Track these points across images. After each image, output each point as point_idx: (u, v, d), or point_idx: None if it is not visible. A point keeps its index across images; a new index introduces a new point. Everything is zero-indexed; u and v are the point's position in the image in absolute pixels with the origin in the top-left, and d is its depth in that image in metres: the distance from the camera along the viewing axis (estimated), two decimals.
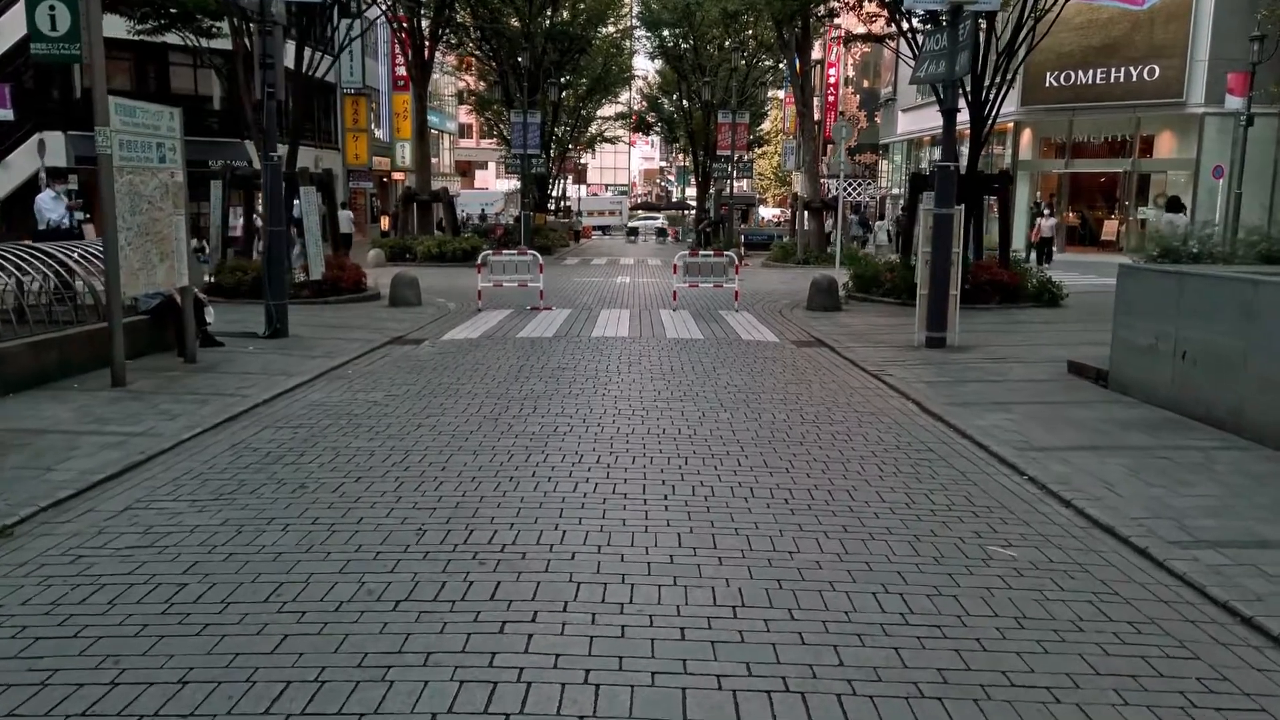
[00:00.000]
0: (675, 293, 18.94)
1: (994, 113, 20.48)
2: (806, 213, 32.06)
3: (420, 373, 11.46)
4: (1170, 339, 9.29)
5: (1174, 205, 23.45)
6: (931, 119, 42.40)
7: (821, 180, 35.52)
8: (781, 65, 47.98)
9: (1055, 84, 33.21)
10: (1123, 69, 32.35)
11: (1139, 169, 33.42)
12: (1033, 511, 6.46)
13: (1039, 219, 25.32)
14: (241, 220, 31.06)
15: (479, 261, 18.77)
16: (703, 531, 5.88)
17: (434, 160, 59.39)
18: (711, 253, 19.04)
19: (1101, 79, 32.72)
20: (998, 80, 19.87)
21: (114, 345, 9.76)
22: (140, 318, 11.90)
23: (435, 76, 59.50)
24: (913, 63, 22.62)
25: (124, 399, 9.36)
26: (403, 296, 18.63)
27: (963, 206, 13.75)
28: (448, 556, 5.42)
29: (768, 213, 71.10)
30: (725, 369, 11.94)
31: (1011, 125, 34.96)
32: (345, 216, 37.71)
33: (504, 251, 18.76)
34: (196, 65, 31.16)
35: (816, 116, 37.28)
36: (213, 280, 18.80)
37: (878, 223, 43.41)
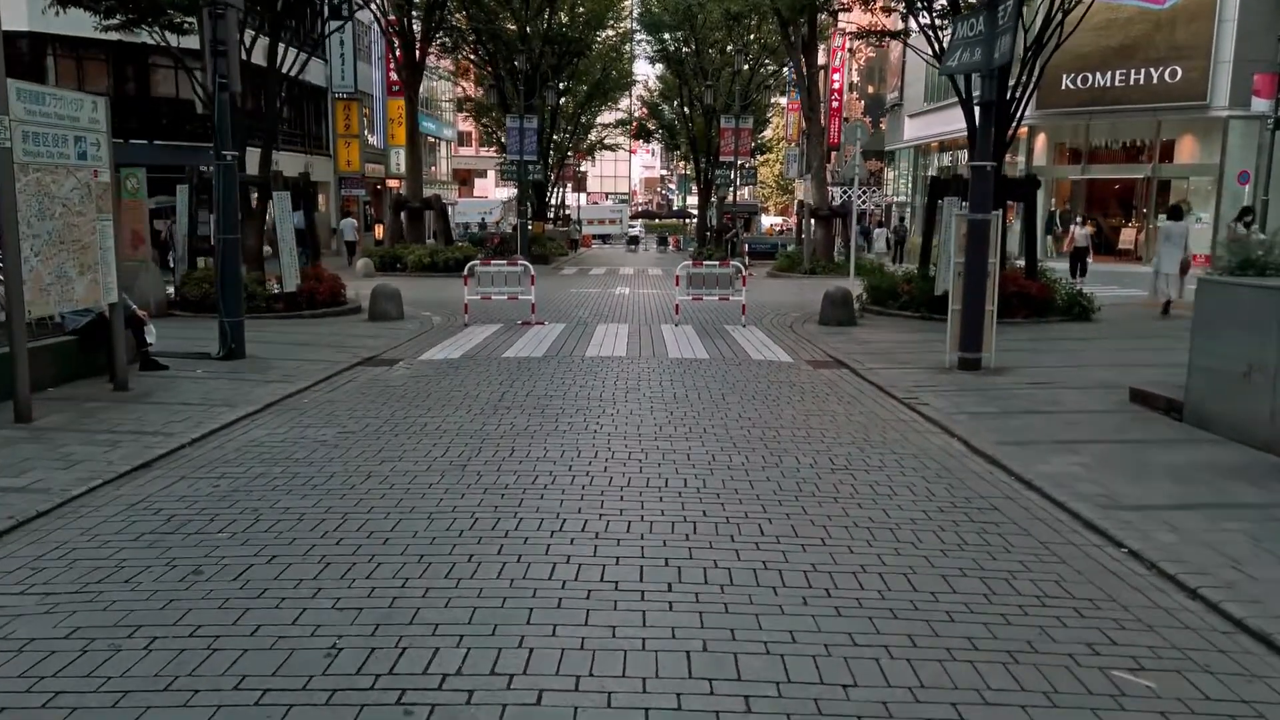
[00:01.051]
0: (678, 306, 17.37)
1: (1020, 113, 18.95)
2: (814, 220, 30.50)
3: (386, 402, 9.88)
4: (1271, 368, 7.70)
5: (1174, 213, 22.29)
6: (940, 124, 40.88)
7: (828, 187, 33.94)
8: (786, 69, 46.48)
9: (1072, 87, 31.66)
10: (1143, 71, 30.81)
11: (1159, 175, 31.85)
12: (1151, 606, 4.87)
13: (1073, 227, 23.64)
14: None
15: (466, 272, 17.20)
16: (720, 649, 4.28)
17: (431, 169, 57.94)
18: (717, 263, 17.47)
19: (1120, 81, 31.18)
20: (1024, 78, 18.36)
21: (16, 374, 8.18)
22: (68, 339, 10.32)
23: (433, 83, 58.03)
24: (931, 60, 21.10)
25: (21, 440, 7.77)
26: (383, 310, 17.07)
27: (999, 213, 12.18)
28: (360, 700, 3.82)
29: (769, 221, 69.60)
30: (735, 396, 10.35)
31: (1025, 130, 33.36)
32: (349, 224, 36.30)
33: (493, 262, 17.20)
34: (178, 68, 29.61)
35: (822, 122, 35.74)
36: (177, 293, 17.26)
37: (877, 230, 41.92)
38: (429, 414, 9.26)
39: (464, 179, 79.70)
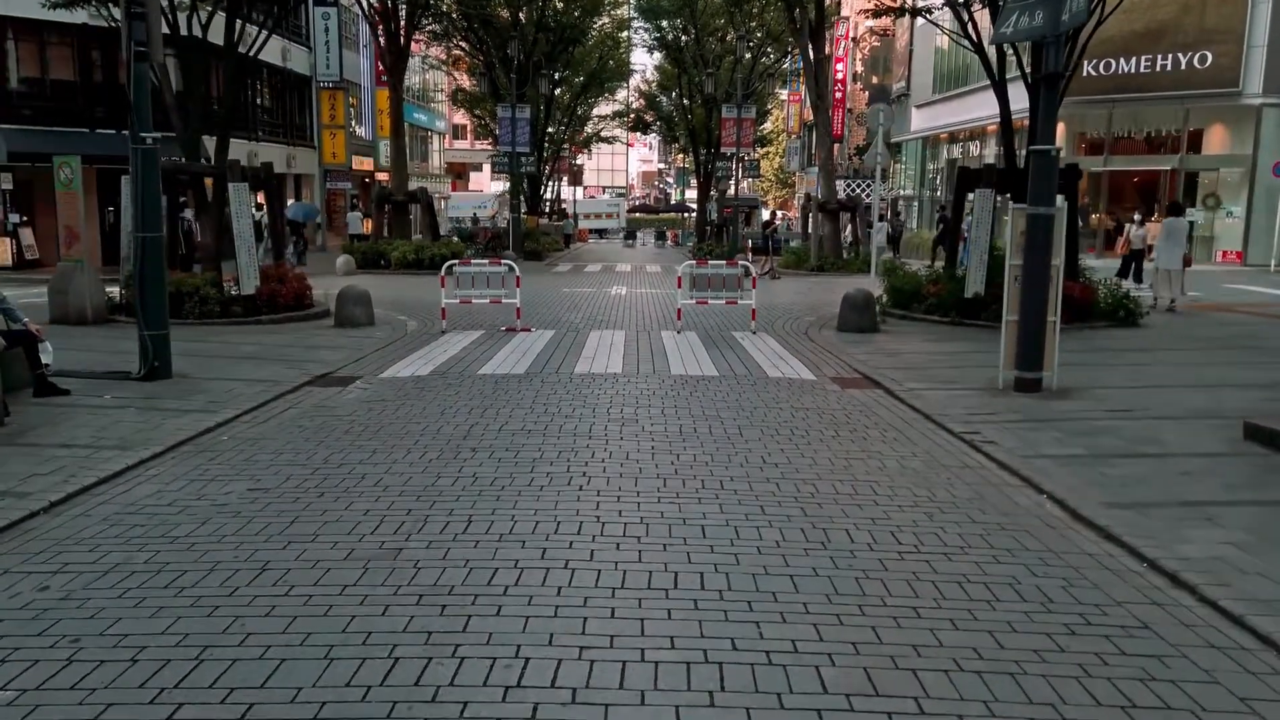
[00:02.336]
0: (680, 311, 15.36)
1: (1061, 96, 16.93)
2: (821, 214, 28.49)
3: (324, 440, 7.88)
4: None
5: (1175, 210, 20.65)
6: (950, 114, 38.87)
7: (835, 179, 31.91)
8: (788, 59, 44.43)
9: (1094, 74, 29.60)
10: (1170, 56, 28.80)
11: (1186, 166, 29.84)
12: None
13: (1128, 226, 21.47)
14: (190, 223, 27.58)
15: (443, 272, 15.19)
16: None
17: (423, 163, 55.86)
18: (724, 263, 15.47)
19: (1146, 67, 29.17)
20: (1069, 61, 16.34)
21: None
22: None
23: (425, 74, 55.94)
24: (958, 37, 19.06)
25: None
26: (350, 315, 15.06)
27: (1064, 205, 10.19)
28: None
29: (768, 215, 67.53)
30: (755, 430, 8.36)
31: (1028, 122, 31.30)
32: (355, 218, 34.02)
33: (473, 261, 15.19)
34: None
35: (829, 111, 33.58)
36: (121, 296, 15.23)
37: (877, 224, 39.60)
38: (372, 459, 7.26)
39: (459, 172, 77.54)
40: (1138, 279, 21.01)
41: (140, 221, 9.71)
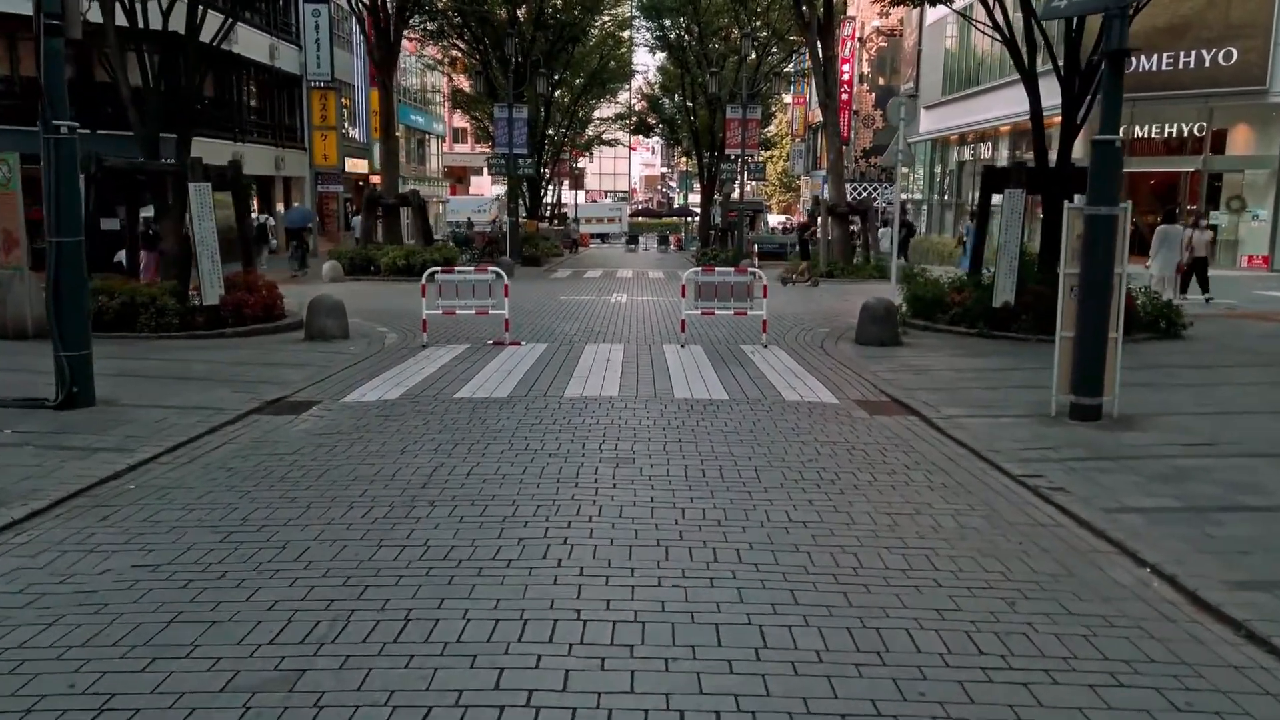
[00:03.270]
0: (683, 322, 13.89)
1: (1096, 90, 15.49)
2: (831, 218, 27.04)
3: (250, 491, 6.42)
4: None
5: (1170, 217, 19.43)
6: (961, 115, 37.39)
7: (845, 182, 30.45)
8: (792, 61, 43.01)
9: (1080, 80, 28.03)
10: (1193, 53, 27.31)
11: (1210, 167, 28.33)
12: None
13: (1190, 232, 19.81)
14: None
15: (424, 280, 13.74)
16: None
17: (421, 166, 54.46)
18: (731, 270, 14.00)
19: (1168, 64, 27.67)
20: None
21: None
22: None
23: (424, 76, 54.55)
24: (986, 28, 17.56)
25: None
26: (321, 328, 13.62)
27: (1128, 206, 8.71)
28: None
29: (774, 220, 66.11)
30: (775, 473, 6.90)
31: (1059, 119, 29.81)
32: (359, 223, 32.21)
33: (457, 269, 13.73)
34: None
35: (839, 110, 32.08)
36: None
37: (881, 229, 38.05)
38: (303, 518, 5.81)
39: (459, 176, 76.18)
40: (1204, 288, 19.42)
41: (55, 223, 8.25)
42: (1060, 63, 15.38)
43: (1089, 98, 15.36)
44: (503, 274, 13.78)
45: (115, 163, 14.41)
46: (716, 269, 13.98)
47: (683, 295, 13.92)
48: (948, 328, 14.84)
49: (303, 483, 6.57)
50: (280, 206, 34.87)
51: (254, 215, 34.95)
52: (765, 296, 13.73)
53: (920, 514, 6.02)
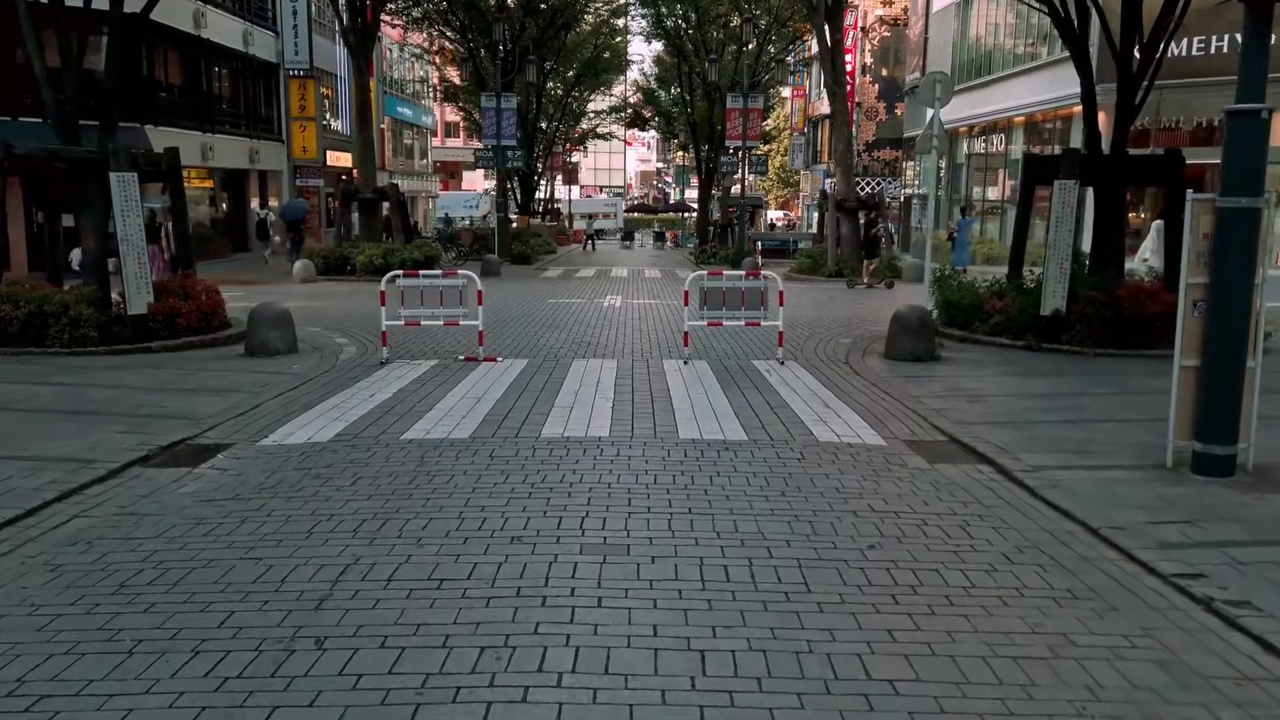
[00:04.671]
0: (686, 335, 11.79)
1: (1156, 68, 13.51)
2: (840, 214, 24.94)
3: (58, 619, 4.34)
4: None
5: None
6: (971, 106, 35.22)
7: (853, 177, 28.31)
8: (794, 47, 40.91)
9: (1138, 57, 25.97)
10: (1225, 37, 25.18)
11: None
12: None
13: None
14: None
15: (383, 286, 11.63)
16: None
17: (409, 160, 52.28)
18: (742, 274, 11.87)
19: (1199, 50, 25.58)
20: (1169, 21, 12.93)
21: None
22: None
23: (414, 68, 52.31)
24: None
25: None
26: (263, 342, 11.53)
27: (1271, 197, 6.64)
28: None
29: (772, 215, 64.01)
30: (827, 573, 4.84)
31: (1079, 109, 27.74)
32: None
33: (422, 272, 11.62)
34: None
35: (848, 100, 29.85)
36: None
37: (879, 226, 35.54)
38: (112, 676, 3.72)
39: (452, 172, 73.85)
40: None
41: None
42: (1116, 37, 13.35)
43: (1148, 78, 13.35)
44: (475, 278, 11.68)
45: (26, 149, 12.25)
46: (725, 272, 11.87)
47: (685, 303, 11.82)
48: (989, 339, 12.79)
49: (141, 599, 4.48)
50: (255, 201, 32.65)
51: (254, 210, 33.10)
52: (781, 304, 11.64)
53: (1059, 657, 3.94)
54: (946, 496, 6.18)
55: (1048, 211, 12.85)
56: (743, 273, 11.83)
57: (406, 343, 12.66)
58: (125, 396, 9.02)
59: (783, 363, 11.34)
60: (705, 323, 11.77)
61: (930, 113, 13.87)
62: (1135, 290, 12.51)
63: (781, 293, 11.63)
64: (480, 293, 11.60)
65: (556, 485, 6.29)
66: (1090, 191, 13.84)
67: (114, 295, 12.19)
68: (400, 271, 11.79)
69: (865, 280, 22.61)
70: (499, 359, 11.49)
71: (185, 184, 28.82)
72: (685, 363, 11.32)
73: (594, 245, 48.12)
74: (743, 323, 11.70)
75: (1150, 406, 9.01)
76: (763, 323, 11.67)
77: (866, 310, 17.25)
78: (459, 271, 11.68)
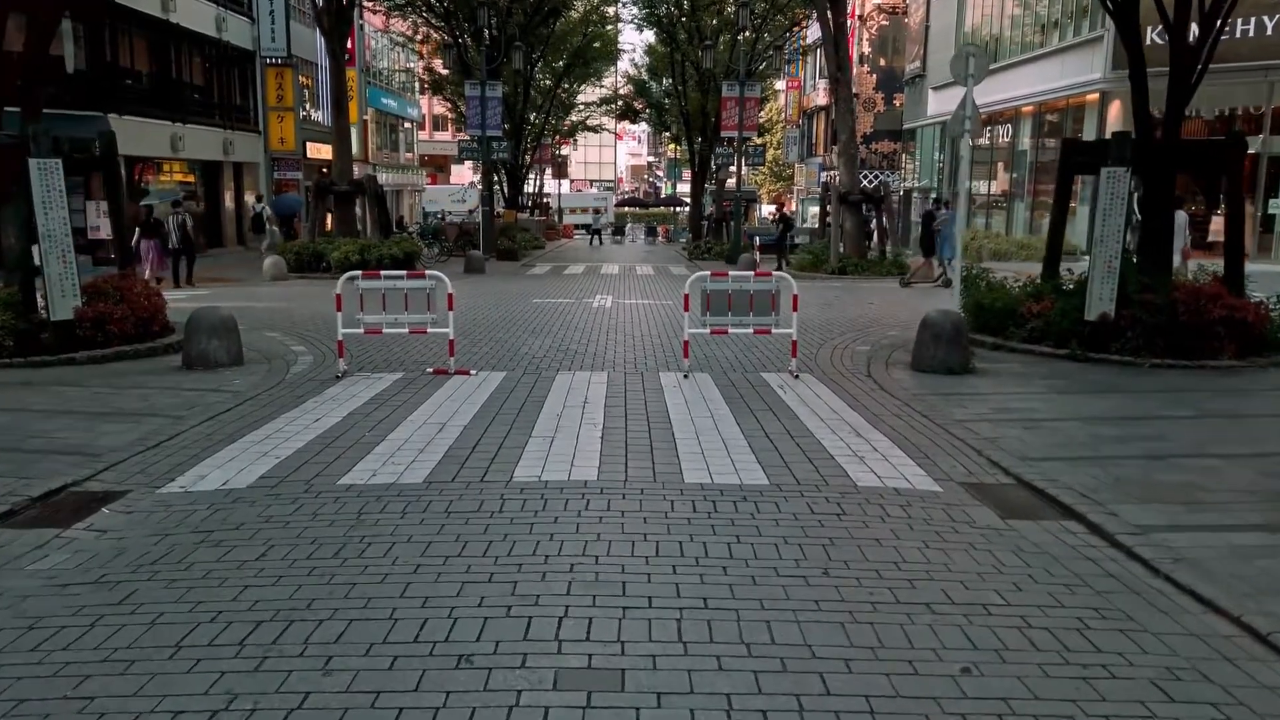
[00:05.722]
0: (687, 344, 10.23)
1: (1215, 41, 12.01)
2: (843, 207, 23.41)
3: None
4: None
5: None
6: (976, 96, 33.77)
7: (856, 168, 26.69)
8: (790, 35, 39.32)
9: (1160, 41, 24.44)
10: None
11: (1270, 150, 24.79)
12: None
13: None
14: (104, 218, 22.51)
15: (338, 288, 10.04)
16: None
17: (394, 153, 50.59)
18: (750, 274, 10.30)
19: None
20: None
21: None
22: None
23: (402, 60, 50.53)
24: None
25: None
26: (203, 352, 9.96)
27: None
28: None
29: (767, 209, 62.41)
30: None
31: (1097, 96, 26.28)
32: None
33: (384, 273, 10.03)
34: None
35: (853, 87, 28.24)
36: None
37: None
38: None
39: (440, 165, 72.06)
40: None
41: None
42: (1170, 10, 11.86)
43: (1206, 51, 11.85)
44: (445, 280, 10.09)
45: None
46: (730, 273, 10.28)
47: (685, 309, 10.25)
48: (1025, 346, 11.26)
49: None
50: (229, 195, 30.94)
51: (252, 204, 31.49)
52: (796, 309, 10.09)
53: None
54: (1042, 576, 4.64)
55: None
56: (751, 273, 10.24)
57: (369, 352, 11.11)
58: (17, 424, 7.44)
59: (797, 376, 9.80)
60: (708, 330, 10.21)
61: (961, 91, 12.30)
62: (1193, 292, 10.99)
63: (796, 296, 10.08)
64: (451, 296, 10.02)
65: (527, 561, 4.73)
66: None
67: (39, 299, 10.62)
68: (359, 272, 10.19)
69: (936, 280, 20.52)
70: (472, 372, 9.93)
71: (164, 177, 27.55)
72: (685, 376, 9.77)
73: (601, 240, 46.56)
74: (751, 330, 10.14)
75: (1249, 435, 7.52)
76: (774, 330, 10.12)
77: (879, 311, 15.74)
78: (427, 272, 10.09)
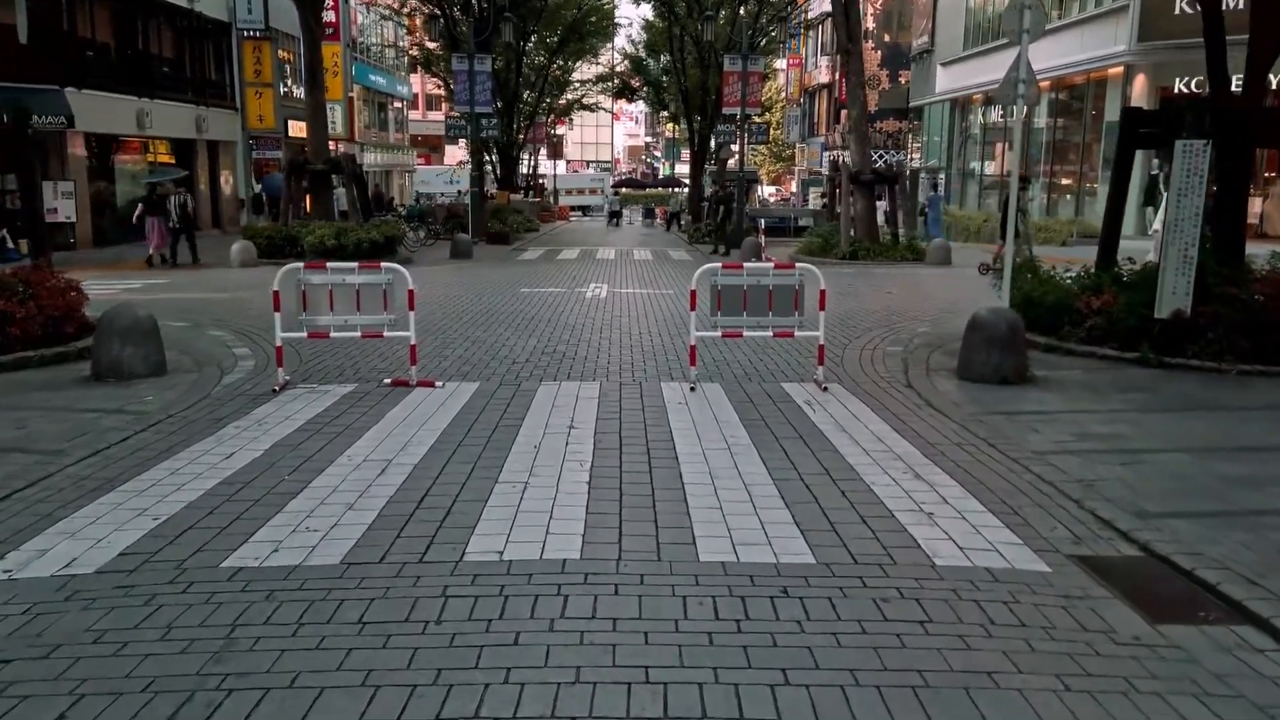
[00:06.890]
0: (694, 350, 8.49)
1: None
2: (854, 188, 21.63)
3: None
4: None
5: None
6: (985, 72, 31.75)
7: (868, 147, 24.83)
8: (791, 8, 37.35)
9: (1187, 12, 22.60)
10: None
11: None
12: None
13: None
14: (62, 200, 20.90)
15: (276, 283, 8.27)
16: None
17: (382, 132, 48.67)
18: (769, 265, 8.54)
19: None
20: None
21: None
22: None
23: (392, 35, 48.51)
24: None
25: None
26: (116, 361, 8.24)
27: None
28: None
29: (768, 190, 60.59)
30: None
31: (1121, 69, 24.42)
32: (341, 195, 25.36)
33: (329, 265, 8.27)
34: None
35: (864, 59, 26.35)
36: None
37: (878, 202, 31.52)
38: None
39: (434, 146, 70.03)
40: None
41: None
42: None
43: None
44: (404, 272, 8.32)
45: None
46: (745, 266, 8.52)
47: (692, 307, 8.50)
48: (1084, 348, 9.56)
49: None
50: (203, 175, 29.09)
51: (252, 185, 29.82)
52: (824, 308, 8.37)
53: None
54: None
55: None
56: (770, 265, 8.50)
57: (321, 356, 9.40)
58: None
59: (825, 388, 8.09)
60: (719, 332, 8.49)
61: (1016, 52, 10.51)
62: (1277, 284, 9.30)
63: (824, 292, 8.35)
64: (412, 293, 8.29)
65: None
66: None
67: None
68: (301, 264, 8.43)
69: (993, 264, 18.39)
70: (439, 383, 8.22)
71: (150, 157, 25.75)
72: (692, 389, 8.06)
73: (619, 222, 44.68)
74: (770, 332, 8.42)
75: None
76: (797, 332, 8.40)
77: (900, 301, 14.06)
78: (383, 265, 8.33)
